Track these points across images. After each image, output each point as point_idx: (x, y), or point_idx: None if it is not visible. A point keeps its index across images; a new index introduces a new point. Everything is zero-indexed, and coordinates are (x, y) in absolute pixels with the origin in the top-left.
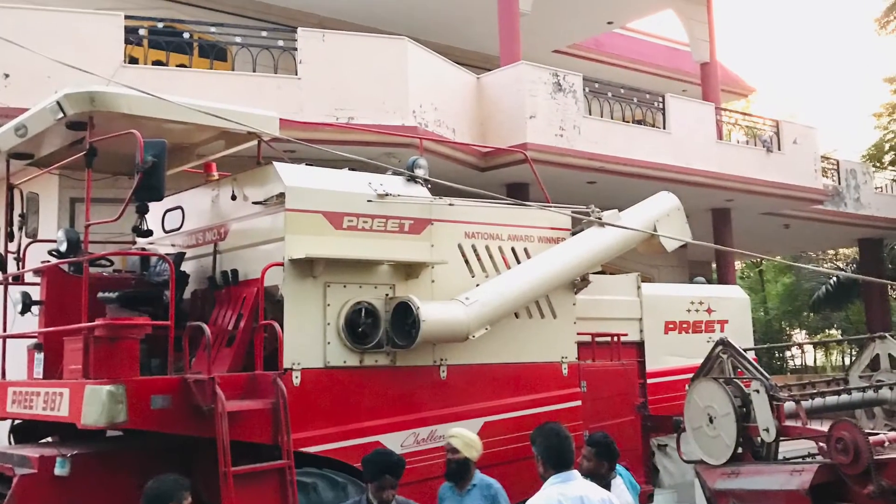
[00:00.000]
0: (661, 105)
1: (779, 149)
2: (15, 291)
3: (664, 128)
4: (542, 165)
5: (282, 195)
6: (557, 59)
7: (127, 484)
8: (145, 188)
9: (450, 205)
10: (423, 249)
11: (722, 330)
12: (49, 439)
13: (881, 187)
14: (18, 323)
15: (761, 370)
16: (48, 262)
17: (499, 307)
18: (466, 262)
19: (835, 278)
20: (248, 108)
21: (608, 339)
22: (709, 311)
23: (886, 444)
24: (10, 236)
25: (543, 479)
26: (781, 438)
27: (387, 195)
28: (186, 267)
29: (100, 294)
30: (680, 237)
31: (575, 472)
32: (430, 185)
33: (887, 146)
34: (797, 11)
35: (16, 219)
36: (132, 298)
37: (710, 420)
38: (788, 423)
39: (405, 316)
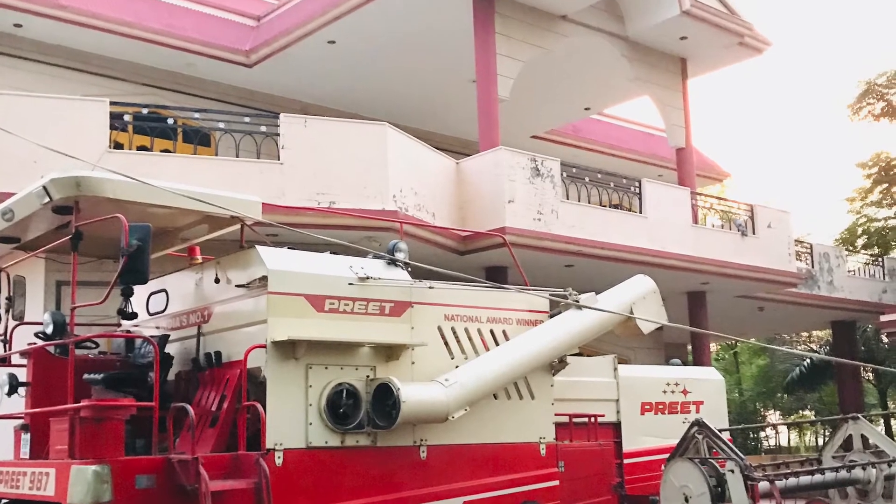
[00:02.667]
0: (637, 190)
1: (753, 233)
2: (1, 373)
3: (640, 212)
4: (520, 249)
5: (264, 278)
6: (536, 144)
7: None
8: (130, 271)
9: (430, 288)
10: (404, 332)
11: (697, 411)
12: None
13: (853, 270)
14: (5, 404)
15: (736, 450)
16: (34, 344)
17: (478, 388)
18: (446, 343)
19: (808, 360)
20: (231, 193)
21: (585, 419)
22: (684, 392)
23: None
24: None
25: None
26: None
27: (367, 278)
28: (171, 349)
29: (85, 375)
30: (656, 320)
31: None
32: (410, 269)
33: (860, 230)
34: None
35: (2, 301)
36: (117, 380)
37: (686, 500)
38: (763, 502)
39: (386, 397)
